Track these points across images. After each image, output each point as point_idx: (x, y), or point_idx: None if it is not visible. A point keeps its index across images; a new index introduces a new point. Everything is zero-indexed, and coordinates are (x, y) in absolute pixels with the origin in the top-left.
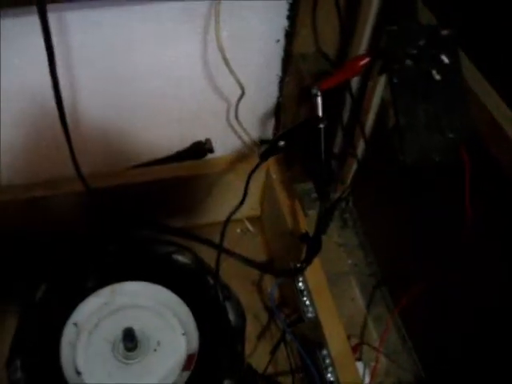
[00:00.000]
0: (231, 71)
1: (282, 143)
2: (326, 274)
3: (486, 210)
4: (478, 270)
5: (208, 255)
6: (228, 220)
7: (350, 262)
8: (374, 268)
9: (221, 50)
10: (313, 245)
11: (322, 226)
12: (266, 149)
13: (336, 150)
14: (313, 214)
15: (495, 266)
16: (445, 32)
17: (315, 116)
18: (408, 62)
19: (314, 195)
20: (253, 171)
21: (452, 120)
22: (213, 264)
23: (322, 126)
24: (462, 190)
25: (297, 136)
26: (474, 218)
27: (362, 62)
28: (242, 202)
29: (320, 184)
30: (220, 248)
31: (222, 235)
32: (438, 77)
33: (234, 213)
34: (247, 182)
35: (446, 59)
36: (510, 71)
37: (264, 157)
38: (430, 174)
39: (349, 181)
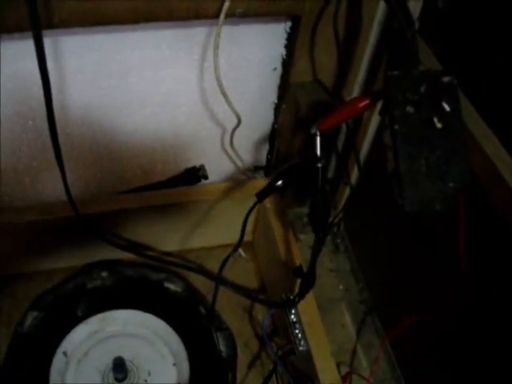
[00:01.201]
0: (227, 100)
1: (279, 183)
2: (318, 300)
3: (482, 254)
4: (472, 310)
5: (200, 280)
6: (227, 260)
7: (341, 287)
8: (366, 294)
9: (218, 80)
10: (307, 279)
11: (316, 261)
12: (262, 188)
13: (330, 175)
14: (304, 238)
15: (488, 308)
16: (446, 79)
17: (313, 155)
18: (409, 108)
19: (306, 219)
20: (250, 211)
21: (452, 168)
22: (204, 290)
23: (320, 165)
24: (458, 234)
25: (294, 175)
26: (469, 263)
27: (362, 104)
28: (240, 240)
29: (316, 221)
30: (217, 282)
31: (221, 270)
32: (439, 125)
33: (231, 254)
34: (245, 221)
35: (447, 107)
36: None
37: (261, 196)
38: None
39: (341, 206)
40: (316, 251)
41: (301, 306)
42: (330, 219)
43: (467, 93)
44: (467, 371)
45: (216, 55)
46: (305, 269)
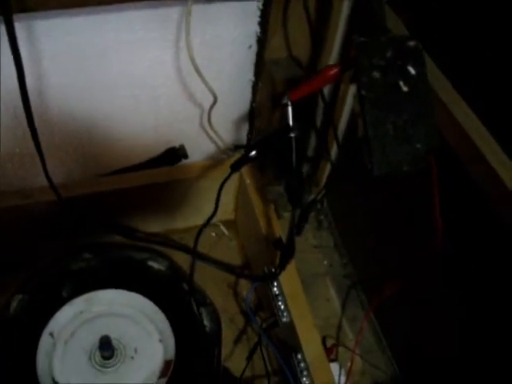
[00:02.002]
0: (203, 79)
1: (253, 153)
2: (302, 276)
3: (457, 217)
4: (450, 273)
5: (184, 260)
6: (200, 232)
7: (325, 262)
8: (350, 269)
9: (192, 59)
10: (286, 251)
11: (294, 232)
12: (237, 159)
13: (310, 153)
14: (288, 215)
15: (467, 270)
16: (411, 43)
17: (286, 126)
18: (375, 73)
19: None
20: (224, 181)
21: (419, 130)
22: (189, 269)
23: (292, 135)
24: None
25: (268, 145)
26: (445, 225)
27: (332, 73)
28: (214, 212)
29: (291, 192)
30: (194, 256)
31: (196, 244)
32: (405, 88)
33: (206, 224)
34: (219, 192)
35: (412, 70)
36: (480, 83)
37: (235, 167)
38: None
39: (323, 183)
40: (293, 221)
41: (283, 278)
42: (313, 196)
43: (436, 59)
44: (450, 336)
45: (188, 34)
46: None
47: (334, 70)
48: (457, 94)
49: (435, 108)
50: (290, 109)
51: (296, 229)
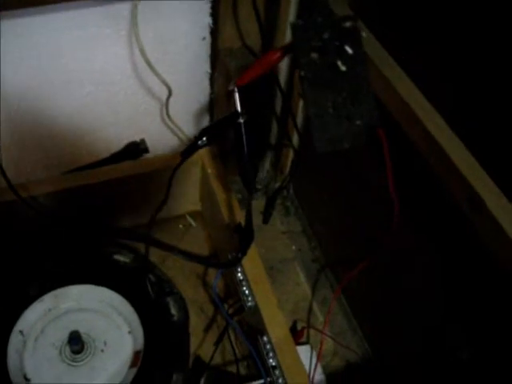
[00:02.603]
0: (155, 72)
1: (203, 140)
2: (272, 262)
3: (411, 195)
4: (413, 249)
5: (152, 253)
6: (153, 219)
7: (294, 248)
8: (318, 252)
9: (142, 51)
10: (245, 235)
11: (251, 216)
12: (187, 147)
13: (272, 140)
14: (254, 204)
15: (425, 246)
16: (348, 24)
17: (234, 111)
18: (314, 55)
19: (256, 186)
20: (175, 169)
21: (358, 108)
22: (158, 261)
23: (241, 120)
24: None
25: (219, 132)
26: (400, 201)
27: (274, 57)
28: (164, 201)
29: (245, 177)
30: (147, 245)
31: (149, 229)
32: (343, 67)
33: (158, 211)
34: (170, 180)
35: (349, 50)
36: (422, 57)
37: (185, 154)
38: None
39: (287, 170)
40: (249, 206)
41: (246, 264)
42: (278, 184)
43: (380, 37)
44: (418, 313)
45: (135, 25)
46: None
47: (277, 54)
48: (400, 69)
49: (372, 85)
50: (236, 95)
51: (263, 216)
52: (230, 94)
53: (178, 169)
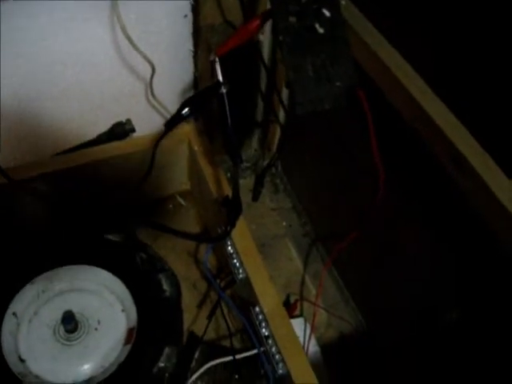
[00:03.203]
0: (138, 50)
1: (185, 111)
2: (263, 238)
3: (396, 162)
4: (398, 218)
5: (144, 232)
6: (139, 187)
7: (284, 224)
8: (309, 227)
9: (124, 31)
10: (233, 207)
11: (238, 187)
12: (170, 118)
13: (259, 117)
14: (243, 182)
15: (412, 213)
16: None
17: (216, 82)
18: (292, 19)
19: (244, 164)
20: (159, 140)
21: (338, 69)
22: (149, 241)
23: (223, 90)
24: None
25: (202, 102)
26: (385, 169)
27: (254, 25)
28: (148, 172)
29: (229, 148)
30: (135, 224)
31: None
32: (321, 30)
33: (143, 180)
34: (153, 152)
35: (327, 13)
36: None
37: (169, 126)
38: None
39: (275, 147)
40: (235, 177)
41: (235, 237)
42: (267, 161)
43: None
44: (407, 277)
45: (116, 6)
46: None
47: (256, 22)
48: (380, 35)
49: (351, 47)
50: (217, 65)
51: (253, 194)
52: (212, 66)
53: (161, 140)
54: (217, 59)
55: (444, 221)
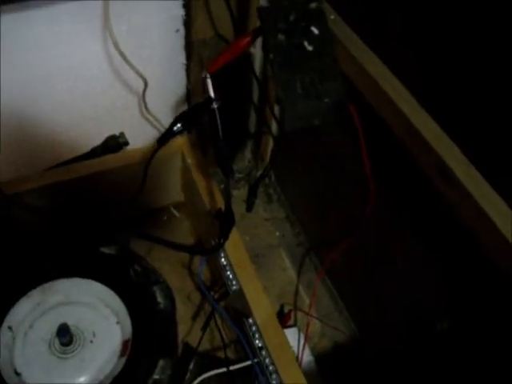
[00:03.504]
0: (130, 65)
1: (177, 127)
2: (257, 249)
3: (386, 174)
4: (390, 229)
5: (138, 244)
6: (134, 200)
7: (278, 234)
8: (302, 237)
9: (116, 45)
10: (226, 219)
11: (230, 199)
12: (162, 134)
13: (251, 129)
14: (237, 193)
15: (402, 224)
16: (313, 5)
17: (208, 97)
18: (281, 36)
19: (237, 175)
20: (151, 157)
21: (326, 86)
22: (143, 253)
23: (215, 106)
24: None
25: (194, 118)
26: (376, 180)
27: (244, 42)
28: (141, 187)
29: (221, 161)
30: (130, 236)
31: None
32: (309, 47)
33: (138, 194)
34: (146, 168)
35: (315, 30)
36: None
37: (161, 141)
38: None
39: (268, 158)
40: (227, 190)
41: (229, 249)
42: (260, 172)
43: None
44: (399, 287)
45: (107, 19)
46: None
47: (246, 39)
48: (368, 49)
49: (339, 64)
50: (209, 81)
51: (247, 205)
52: (204, 82)
53: (154, 156)
54: (208, 75)
55: (433, 232)
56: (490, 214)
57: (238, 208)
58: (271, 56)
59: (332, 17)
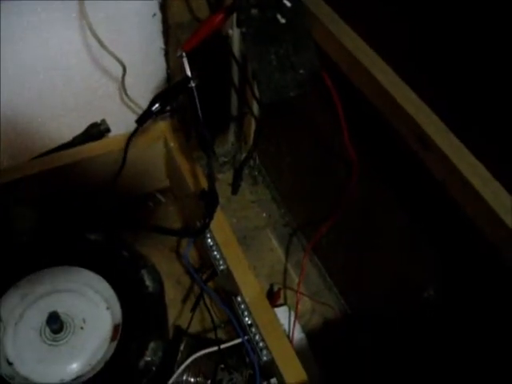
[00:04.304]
0: (107, 50)
1: (156, 106)
2: (245, 231)
3: (366, 147)
4: (372, 201)
5: (126, 231)
6: (114, 184)
7: (264, 215)
8: (289, 217)
9: (93, 32)
10: (210, 199)
11: (213, 179)
12: (141, 114)
13: (233, 112)
14: (222, 177)
15: (384, 194)
16: None
17: (185, 76)
18: (254, 11)
19: (222, 159)
20: (130, 137)
21: (301, 57)
22: (131, 239)
23: (193, 85)
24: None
25: (171, 98)
26: (356, 154)
27: (217, 18)
28: (120, 168)
29: (202, 141)
30: (115, 222)
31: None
32: (282, 20)
33: (117, 176)
34: (126, 148)
35: (288, 3)
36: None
37: (140, 122)
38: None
39: (251, 140)
40: (210, 171)
41: (214, 229)
42: (244, 154)
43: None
44: (385, 258)
45: (83, 6)
46: None
47: (220, 16)
48: (339, 18)
49: (312, 35)
50: (185, 60)
51: (232, 188)
52: (179, 60)
53: (134, 136)
54: (184, 54)
55: (417, 203)
56: (474, 184)
57: (224, 192)
58: (244, 30)
59: None
